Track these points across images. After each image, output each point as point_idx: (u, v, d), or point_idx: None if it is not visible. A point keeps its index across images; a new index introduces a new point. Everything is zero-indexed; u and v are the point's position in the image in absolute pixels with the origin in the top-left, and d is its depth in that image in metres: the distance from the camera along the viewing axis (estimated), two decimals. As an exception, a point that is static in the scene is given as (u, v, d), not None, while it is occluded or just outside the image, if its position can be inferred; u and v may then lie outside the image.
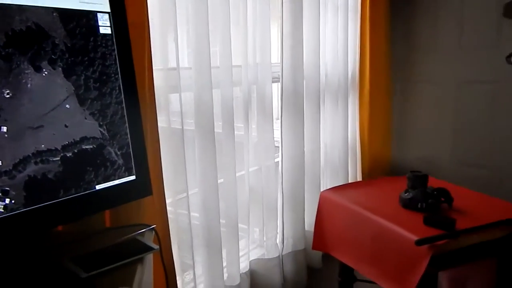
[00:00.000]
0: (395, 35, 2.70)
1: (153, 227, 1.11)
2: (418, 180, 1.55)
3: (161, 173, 1.30)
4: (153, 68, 1.26)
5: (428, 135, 2.74)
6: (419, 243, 1.27)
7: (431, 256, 1.27)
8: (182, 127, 1.40)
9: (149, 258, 1.03)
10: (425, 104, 2.72)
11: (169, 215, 1.34)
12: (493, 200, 1.65)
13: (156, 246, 1.00)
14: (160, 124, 1.32)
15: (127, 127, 1.04)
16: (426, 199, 1.50)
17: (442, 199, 1.54)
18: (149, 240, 1.06)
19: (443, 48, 2.59)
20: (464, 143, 2.64)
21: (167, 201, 1.36)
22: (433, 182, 1.68)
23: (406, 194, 1.54)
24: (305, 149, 1.97)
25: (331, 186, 1.95)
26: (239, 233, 1.71)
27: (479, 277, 1.71)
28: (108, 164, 1.00)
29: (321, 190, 1.96)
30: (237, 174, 1.67)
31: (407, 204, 1.52)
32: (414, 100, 2.75)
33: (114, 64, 1.02)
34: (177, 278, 1.40)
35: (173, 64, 1.37)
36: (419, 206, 1.50)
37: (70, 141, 0.93)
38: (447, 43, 2.58)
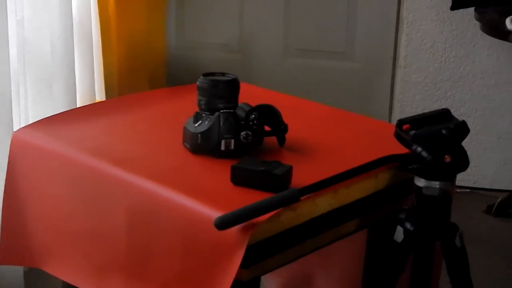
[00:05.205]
0: None
1: None
2: (219, 91, 1.65)
3: None
4: None
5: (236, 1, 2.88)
6: (222, 224, 1.33)
7: (248, 247, 1.33)
8: None
9: None
10: None
11: None
12: (356, 120, 1.84)
13: None
14: None
15: None
16: (236, 130, 1.59)
17: (267, 128, 1.63)
18: None
19: None
20: (302, 18, 2.89)
21: None
22: (249, 93, 1.75)
23: (197, 125, 1.62)
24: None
25: (36, 120, 1.98)
26: None
27: (335, 268, 1.90)
28: None
29: (15, 129, 1.97)
30: None
31: (199, 145, 1.62)
32: None
33: None
34: None
35: None
36: (222, 146, 1.59)
37: None
38: None
